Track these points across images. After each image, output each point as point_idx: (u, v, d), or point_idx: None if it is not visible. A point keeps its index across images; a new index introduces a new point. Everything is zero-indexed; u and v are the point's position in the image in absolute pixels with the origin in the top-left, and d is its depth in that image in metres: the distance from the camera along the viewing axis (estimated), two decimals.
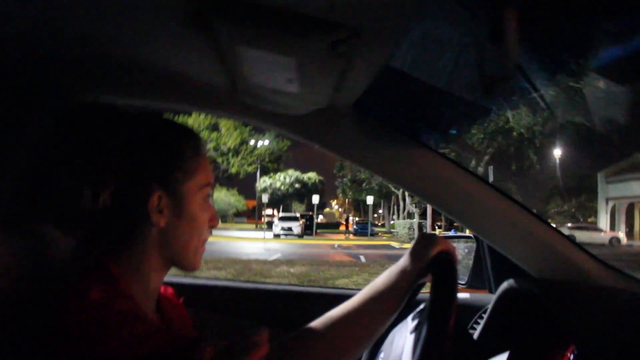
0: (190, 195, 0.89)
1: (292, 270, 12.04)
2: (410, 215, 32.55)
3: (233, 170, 34.14)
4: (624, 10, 1.12)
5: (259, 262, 13.76)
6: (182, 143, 0.91)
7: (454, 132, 1.74)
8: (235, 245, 20.95)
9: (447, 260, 0.98)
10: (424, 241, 1.03)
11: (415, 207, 30.40)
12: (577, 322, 1.06)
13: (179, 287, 1.19)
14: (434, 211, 25.48)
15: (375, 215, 66.09)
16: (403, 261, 1.02)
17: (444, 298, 0.88)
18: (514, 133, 26.61)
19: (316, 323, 0.95)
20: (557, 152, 30.11)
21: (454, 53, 1.12)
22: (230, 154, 34.35)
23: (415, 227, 27.87)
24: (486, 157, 27.55)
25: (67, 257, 0.90)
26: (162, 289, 1.07)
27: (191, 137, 0.93)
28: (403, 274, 1.00)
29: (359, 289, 1.05)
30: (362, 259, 16.40)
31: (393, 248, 23.16)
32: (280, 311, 1.68)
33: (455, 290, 0.91)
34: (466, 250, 1.79)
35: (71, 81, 1.15)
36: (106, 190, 0.84)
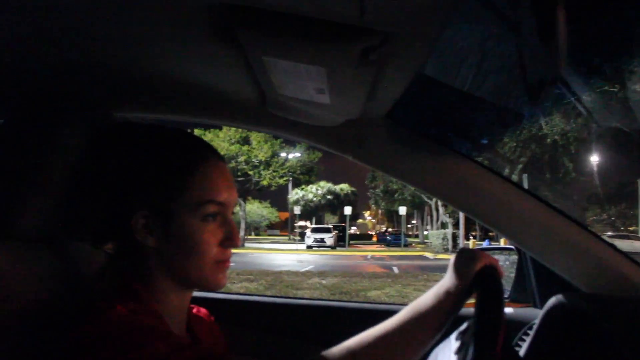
0: (180, 215, 0.82)
1: (324, 281, 12.00)
2: (443, 226, 32.17)
3: (265, 182, 34.44)
4: None
5: (291, 274, 13.77)
6: (166, 156, 0.84)
7: (485, 141, 1.68)
8: (267, 257, 21.04)
9: (492, 276, 0.91)
10: (465, 257, 0.97)
11: (449, 217, 30.03)
12: (632, 340, 0.99)
13: (212, 303, 1.18)
14: (468, 220, 25.10)
15: (409, 225, 65.66)
16: (446, 280, 0.96)
17: (490, 317, 0.82)
18: (548, 140, 26.02)
19: (355, 342, 0.89)
20: (595, 159, 29.30)
21: (491, 57, 1.07)
22: (262, 167, 34.67)
23: (449, 237, 27.48)
24: (519, 166, 27.03)
25: (95, 275, 0.90)
26: (194, 309, 1.05)
27: (182, 150, 0.86)
28: (447, 293, 0.92)
29: (392, 303, 1.00)
30: (395, 270, 16.24)
31: (427, 259, 22.87)
32: (313, 327, 1.64)
33: (502, 309, 0.84)
34: (507, 262, 1.72)
35: (102, 99, 1.15)
36: (103, 207, 0.84)
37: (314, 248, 30.86)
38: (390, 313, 0.94)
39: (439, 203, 31.37)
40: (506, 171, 26.05)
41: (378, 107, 1.09)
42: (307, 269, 15.96)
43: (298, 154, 40.22)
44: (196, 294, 0.96)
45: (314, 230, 33.41)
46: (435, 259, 22.11)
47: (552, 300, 1.26)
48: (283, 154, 37.13)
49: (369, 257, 24.37)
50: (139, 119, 1.18)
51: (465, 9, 0.85)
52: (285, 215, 58.03)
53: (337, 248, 32.20)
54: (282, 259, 21.26)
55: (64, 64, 1.02)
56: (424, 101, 1.29)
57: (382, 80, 0.92)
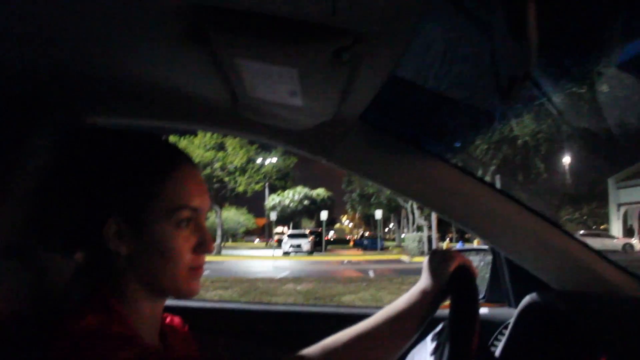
0: (153, 221, 0.81)
1: (298, 287, 11.99)
2: (419, 229, 32.40)
3: (240, 189, 34.26)
4: (628, 10, 1.07)
5: (266, 281, 13.71)
6: (138, 162, 0.83)
7: (458, 143, 1.69)
8: (244, 264, 20.85)
9: (466, 276, 0.92)
10: (438, 258, 0.99)
11: (425, 220, 30.27)
12: (606, 334, 1.01)
13: (186, 311, 1.16)
14: (444, 223, 25.27)
15: (387, 229, 65.90)
16: (421, 281, 0.98)
17: (465, 317, 0.82)
18: (519, 141, 26.47)
19: (330, 342, 0.88)
20: (566, 159, 29.94)
21: (463, 56, 1.08)
22: (237, 173, 34.50)
23: (425, 240, 27.67)
24: (492, 168, 27.45)
25: (66, 286, 0.88)
26: (168, 318, 1.03)
27: (156, 156, 0.85)
28: (423, 294, 0.95)
29: (367, 306, 1.01)
30: (371, 274, 16.28)
31: (403, 262, 22.98)
32: (289, 332, 1.62)
33: (477, 309, 0.85)
34: (482, 263, 1.74)
35: (72, 103, 1.12)
36: (74, 214, 0.82)
37: (291, 254, 30.74)
38: (365, 317, 0.94)
39: (415, 206, 31.63)
40: (479, 172, 26.43)
41: (351, 108, 1.09)
42: (282, 275, 15.91)
43: (274, 160, 40.16)
44: (169, 302, 0.94)
45: (291, 236, 33.29)
46: (411, 262, 22.21)
47: (526, 299, 1.28)
48: (259, 160, 37.05)
49: (345, 262, 24.35)
50: (111, 124, 1.16)
51: (437, 8, 0.85)
52: (262, 221, 57.73)
53: (314, 253, 32.15)
54: (259, 265, 21.12)
55: (32, 67, 0.99)
56: (397, 103, 1.29)
57: (355, 81, 0.92)
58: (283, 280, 13.81)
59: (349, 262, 24.24)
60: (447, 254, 0.99)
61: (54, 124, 1.02)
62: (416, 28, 0.75)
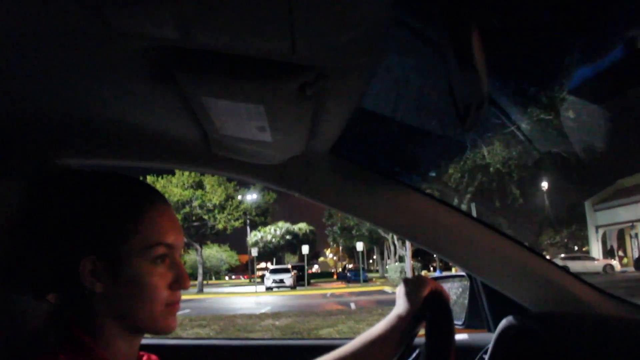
0: (129, 258, 0.81)
1: (277, 322, 11.88)
2: (401, 259, 32.36)
3: (220, 226, 33.99)
4: (586, 29, 1.12)
5: (245, 317, 13.52)
6: (113, 201, 0.84)
7: (433, 174, 1.72)
8: (225, 302, 20.54)
9: (439, 300, 0.95)
10: (411, 284, 1.04)
11: (405, 250, 30.26)
12: (582, 353, 1.02)
13: (162, 349, 1.14)
14: (427, 252, 25.30)
15: (370, 260, 65.57)
16: (397, 307, 1.03)
17: (440, 341, 0.83)
18: (491, 169, 26.80)
19: None
20: (544, 185, 30.35)
21: (426, 86, 1.11)
22: (217, 211, 34.27)
23: (408, 269, 27.63)
24: (468, 196, 27.74)
25: (40, 328, 0.86)
26: (145, 357, 1.02)
27: (130, 195, 0.86)
28: (399, 318, 1.00)
29: (347, 338, 1.02)
30: (352, 306, 16.22)
31: (386, 293, 22.83)
32: None
33: (451, 332, 0.86)
34: (460, 290, 1.74)
35: (42, 145, 1.11)
36: (47, 255, 0.81)
37: (274, 289, 30.33)
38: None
39: (395, 237, 31.67)
40: (455, 201, 26.65)
41: (321, 142, 1.11)
42: (263, 310, 15.71)
43: (255, 196, 40.02)
44: (145, 340, 0.93)
45: (273, 272, 32.90)
46: (394, 293, 22.02)
47: (502, 323, 1.29)
48: (239, 197, 36.89)
49: (328, 295, 24.16)
50: (82, 166, 1.15)
51: (396, 42, 0.88)
52: (245, 258, 57.02)
53: (298, 288, 31.79)
54: (242, 302, 20.87)
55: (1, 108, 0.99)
56: (367, 135, 1.31)
57: (322, 115, 0.94)
58: (262, 316, 13.66)
59: (332, 295, 24.06)
60: (420, 281, 1.04)
61: (25, 166, 1.01)
62: (378, 62, 0.77)
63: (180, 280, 0.86)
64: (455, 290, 1.76)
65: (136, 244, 0.82)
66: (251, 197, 39.80)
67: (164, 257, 0.85)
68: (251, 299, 22.47)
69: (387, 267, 32.30)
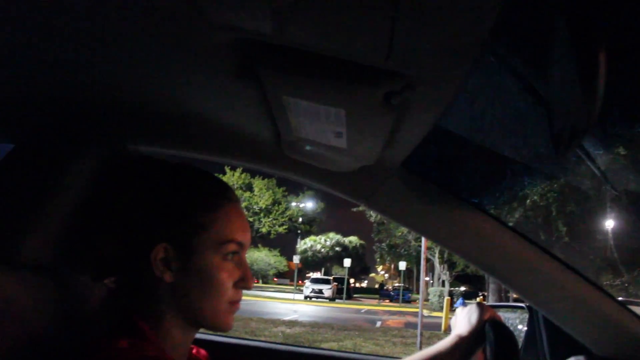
0: (202, 251, 0.83)
1: (288, 330, 11.93)
2: (443, 283, 31.69)
3: (264, 229, 34.29)
4: None
5: (261, 321, 13.56)
6: (193, 195, 0.85)
7: (501, 198, 1.65)
8: (258, 305, 20.56)
9: (502, 328, 0.98)
10: (472, 309, 1.11)
11: (446, 273, 29.59)
12: None
13: (210, 345, 1.16)
14: (477, 278, 24.27)
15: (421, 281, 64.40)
16: (457, 328, 1.09)
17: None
18: (527, 201, 24.79)
19: None
20: (609, 223, 28.40)
21: (512, 108, 1.06)
22: (262, 214, 34.61)
23: (446, 294, 26.85)
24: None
25: (97, 308, 0.88)
26: (194, 349, 1.01)
27: (208, 190, 0.87)
28: (459, 338, 1.05)
29: (345, 351, 1.02)
30: (378, 324, 16.04)
31: (422, 315, 22.36)
32: None
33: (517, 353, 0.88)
34: (517, 321, 1.67)
35: (118, 131, 1.14)
36: (117, 239, 0.82)
37: (312, 299, 30.28)
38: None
39: (436, 260, 31.06)
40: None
41: (395, 154, 1.08)
42: (287, 318, 15.70)
43: (302, 204, 40.16)
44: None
45: (313, 281, 32.85)
46: (430, 316, 21.59)
47: None
48: (293, 204, 37.13)
49: (363, 310, 23.92)
50: (151, 153, 1.17)
51: (493, 55, 0.84)
52: (294, 265, 57.27)
53: (337, 300, 31.61)
54: (274, 307, 20.93)
55: (81, 94, 1.01)
56: (440, 152, 1.27)
57: (401, 126, 0.91)
58: (277, 322, 13.64)
59: (367, 311, 23.79)
60: (480, 307, 1.11)
61: (99, 149, 1.03)
62: (467, 76, 0.74)
63: (246, 279, 0.87)
64: (512, 321, 1.69)
65: (210, 238, 0.83)
66: (299, 205, 40.04)
67: (234, 254, 0.85)
68: (285, 306, 22.48)
69: (429, 289, 31.67)
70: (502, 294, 20.15)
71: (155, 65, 0.86)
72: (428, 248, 31.54)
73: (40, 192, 0.92)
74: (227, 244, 0.84)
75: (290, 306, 22.56)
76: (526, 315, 1.60)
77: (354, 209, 36.91)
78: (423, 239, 12.55)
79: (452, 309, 14.67)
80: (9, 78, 0.95)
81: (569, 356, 1.24)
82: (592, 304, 1.13)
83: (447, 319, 14.48)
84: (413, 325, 15.52)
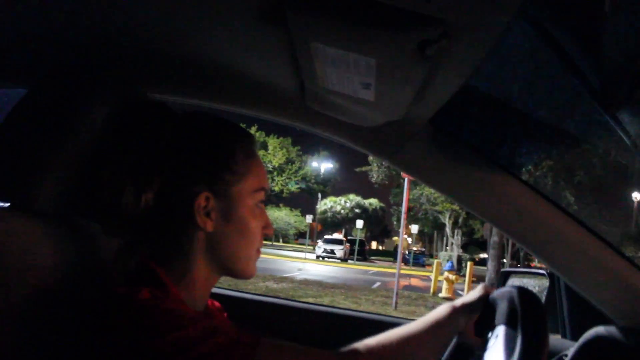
0: (240, 199, 0.84)
1: (275, 286, 12.07)
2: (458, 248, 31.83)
3: (276, 188, 34.40)
4: None
5: (257, 277, 13.65)
6: (233, 144, 0.86)
7: (529, 161, 1.60)
8: (267, 262, 20.59)
9: (537, 308, 0.86)
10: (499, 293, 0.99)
11: (454, 239, 29.58)
12: None
13: (223, 299, 1.15)
14: (503, 246, 23.93)
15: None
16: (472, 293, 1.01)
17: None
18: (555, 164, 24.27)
19: (375, 342, 0.85)
20: (637, 195, 27.41)
21: (547, 69, 1.00)
22: (275, 173, 34.65)
23: (454, 260, 26.84)
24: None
25: (112, 258, 0.85)
26: (209, 302, 1.00)
27: (244, 139, 0.89)
28: (450, 307, 0.95)
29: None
30: (376, 285, 16.01)
31: (428, 280, 22.41)
32: (319, 331, 1.61)
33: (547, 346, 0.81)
34: (537, 288, 1.65)
35: (135, 77, 1.10)
36: (150, 189, 0.81)
37: (324, 259, 30.53)
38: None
39: (448, 226, 31.08)
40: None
41: (423, 109, 1.03)
42: (287, 274, 15.86)
43: (330, 165, 39.89)
44: None
45: (326, 241, 33.04)
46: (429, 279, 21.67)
47: (590, 333, 1.19)
48: (314, 164, 36.94)
49: (370, 272, 23.99)
50: (170, 102, 1.13)
51: (535, 6, 0.78)
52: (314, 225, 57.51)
53: (350, 262, 31.84)
54: (282, 264, 21.04)
55: (99, 37, 0.97)
56: (470, 111, 1.22)
57: (433, 80, 0.86)
58: (267, 277, 13.67)
59: (375, 273, 23.84)
60: (482, 287, 1.01)
61: (117, 95, 0.99)
62: (504, 27, 0.68)
63: (268, 226, 0.90)
64: (532, 288, 1.67)
65: (247, 186, 0.85)
66: (313, 164, 39.94)
67: (261, 202, 0.88)
68: (293, 264, 22.54)
69: (439, 253, 31.81)
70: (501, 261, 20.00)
71: (179, 9, 0.83)
72: (439, 212, 31.66)
73: (55, 138, 0.89)
74: (258, 191, 0.87)
75: (298, 264, 22.70)
76: (545, 282, 1.56)
77: (357, 169, 36.77)
78: (405, 190, 12.48)
79: (441, 272, 14.73)
80: (20, 18, 0.91)
81: (590, 326, 1.21)
82: (619, 275, 1.10)
83: (436, 281, 14.55)
84: (410, 288, 15.74)
